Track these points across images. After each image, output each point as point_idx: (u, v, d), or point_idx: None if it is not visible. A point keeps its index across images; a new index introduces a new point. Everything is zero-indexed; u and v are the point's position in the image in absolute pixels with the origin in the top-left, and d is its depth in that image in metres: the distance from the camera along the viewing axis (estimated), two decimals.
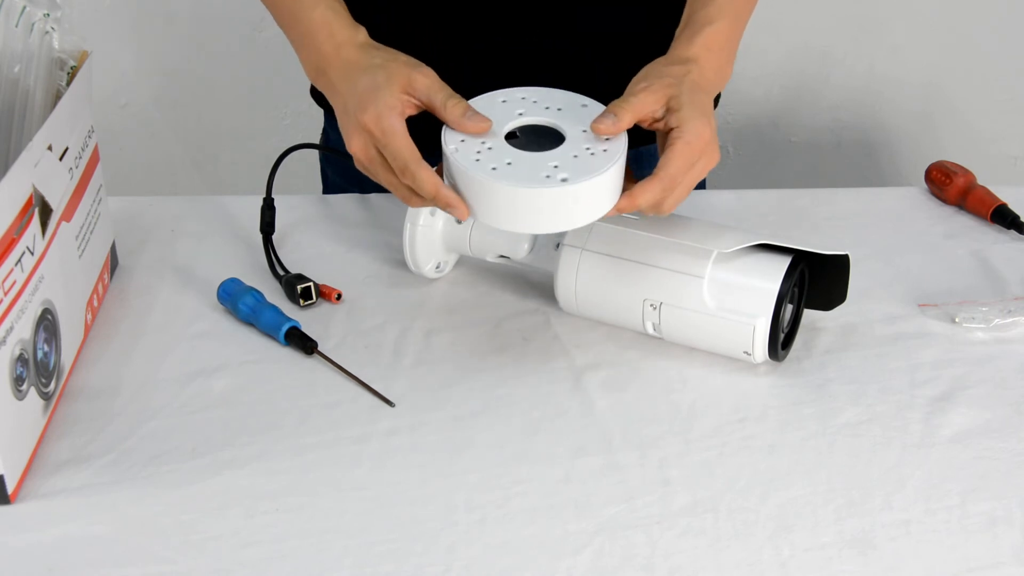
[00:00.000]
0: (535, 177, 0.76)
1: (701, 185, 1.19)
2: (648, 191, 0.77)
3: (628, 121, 0.78)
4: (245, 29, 1.80)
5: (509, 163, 0.77)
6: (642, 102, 0.78)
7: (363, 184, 1.10)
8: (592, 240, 0.86)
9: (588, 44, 1.00)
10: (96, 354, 0.87)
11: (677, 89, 0.79)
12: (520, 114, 0.81)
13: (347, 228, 1.04)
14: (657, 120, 0.79)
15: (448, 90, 0.80)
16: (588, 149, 0.78)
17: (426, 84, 0.79)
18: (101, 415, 0.80)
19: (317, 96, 1.12)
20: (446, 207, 0.78)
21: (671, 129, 0.78)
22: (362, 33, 0.85)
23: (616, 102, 0.79)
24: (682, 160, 0.77)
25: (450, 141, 0.79)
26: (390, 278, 0.97)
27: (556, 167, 0.77)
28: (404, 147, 0.77)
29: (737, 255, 0.83)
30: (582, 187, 0.75)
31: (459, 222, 0.89)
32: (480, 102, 0.81)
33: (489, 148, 0.78)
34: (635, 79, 0.81)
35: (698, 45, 0.83)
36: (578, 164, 0.77)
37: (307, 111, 1.88)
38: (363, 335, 0.89)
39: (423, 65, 0.82)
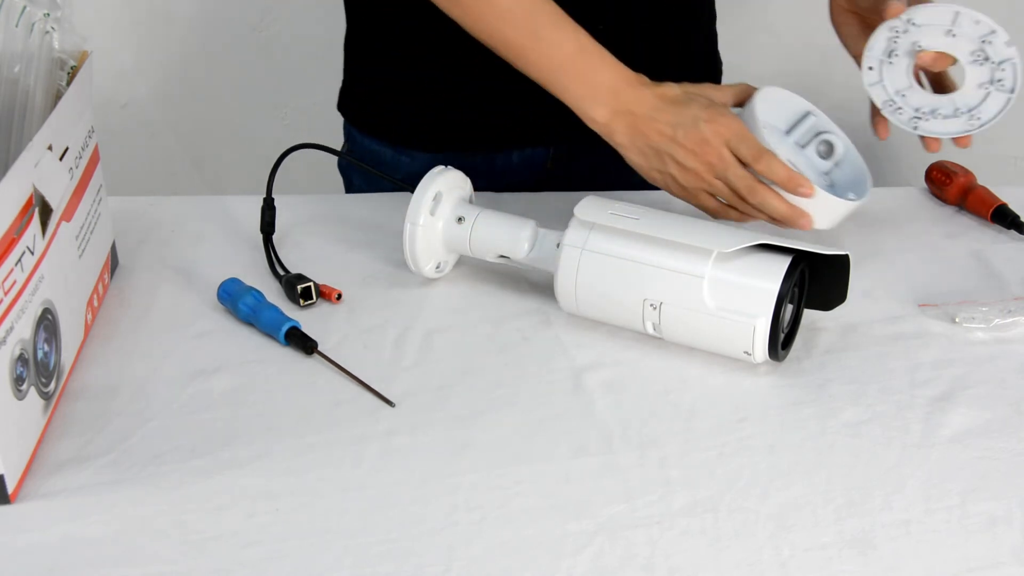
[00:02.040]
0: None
1: None
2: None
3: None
4: (245, 29, 1.80)
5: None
6: None
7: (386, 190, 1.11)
8: (592, 240, 0.86)
9: (635, 25, 1.06)
10: (96, 354, 0.87)
11: None
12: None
13: (347, 228, 1.04)
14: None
15: (736, 87, 0.94)
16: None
17: (728, 93, 0.94)
18: (101, 415, 0.80)
19: (348, 113, 1.17)
20: (796, 188, 0.88)
21: None
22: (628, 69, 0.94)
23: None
24: None
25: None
26: (390, 278, 0.97)
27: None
28: (754, 142, 0.89)
29: (737, 255, 0.83)
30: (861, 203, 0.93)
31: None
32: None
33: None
34: None
35: None
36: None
37: (307, 111, 1.89)
38: (363, 335, 0.89)
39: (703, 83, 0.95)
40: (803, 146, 0.99)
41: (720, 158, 0.89)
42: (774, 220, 0.91)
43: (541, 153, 1.13)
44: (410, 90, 1.10)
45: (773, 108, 0.98)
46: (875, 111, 0.99)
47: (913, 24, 0.95)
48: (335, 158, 1.10)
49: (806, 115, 0.99)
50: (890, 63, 0.98)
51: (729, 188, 0.90)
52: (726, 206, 0.93)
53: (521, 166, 1.14)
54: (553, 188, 1.11)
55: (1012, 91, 0.95)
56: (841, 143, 0.98)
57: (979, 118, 0.97)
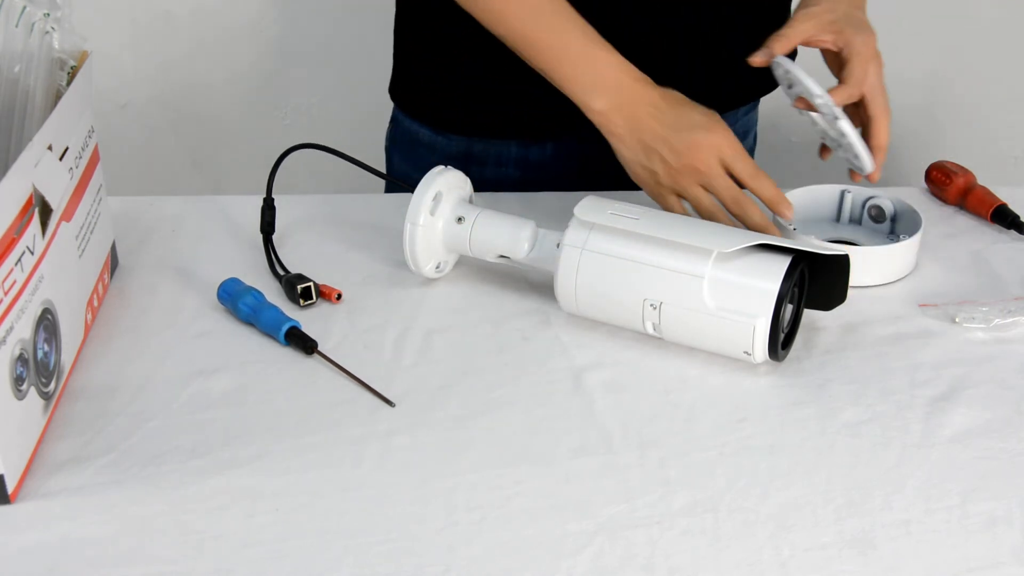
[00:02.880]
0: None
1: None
2: (838, 94, 0.94)
3: (781, 49, 0.95)
4: (245, 29, 1.80)
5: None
6: (798, 30, 0.95)
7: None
8: (592, 240, 0.86)
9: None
10: (96, 354, 0.87)
11: (834, 15, 0.96)
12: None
13: (347, 228, 1.04)
14: (825, 43, 0.96)
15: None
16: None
17: (739, 146, 0.93)
18: (101, 415, 0.80)
19: (395, 96, 1.19)
20: (780, 207, 0.93)
21: (840, 49, 0.95)
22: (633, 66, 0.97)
23: (774, 34, 0.95)
24: (859, 68, 0.94)
25: None
26: (390, 278, 0.97)
27: None
28: (753, 162, 0.92)
29: (737, 255, 0.83)
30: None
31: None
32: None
33: None
34: (797, 14, 0.98)
35: None
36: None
37: (307, 111, 1.89)
38: (363, 335, 0.89)
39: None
40: (859, 222, 1.03)
41: (708, 166, 0.91)
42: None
43: (574, 147, 1.15)
44: (447, 82, 1.13)
45: (810, 206, 1.02)
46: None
47: (782, 69, 0.97)
48: (335, 158, 1.09)
49: (843, 193, 1.03)
50: (791, 93, 0.99)
51: (713, 196, 0.93)
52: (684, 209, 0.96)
53: (555, 159, 1.16)
54: (585, 186, 1.12)
55: (853, 145, 0.95)
56: (888, 200, 1.01)
57: (856, 159, 0.97)
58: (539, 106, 1.07)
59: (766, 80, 1.18)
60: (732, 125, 1.22)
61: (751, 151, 1.30)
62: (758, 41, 0.98)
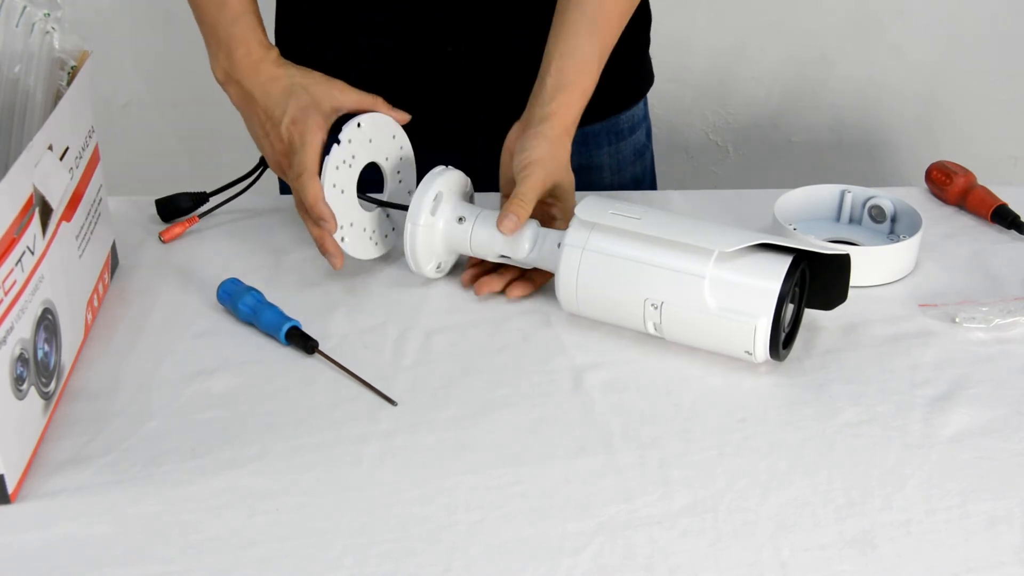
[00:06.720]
0: None
1: (705, 185, 1.20)
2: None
3: (527, 213, 0.89)
4: None
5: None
6: (533, 191, 0.89)
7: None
8: (593, 240, 0.86)
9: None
10: (96, 354, 0.87)
11: (552, 165, 0.91)
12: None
13: None
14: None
15: (367, 95, 0.94)
16: None
17: (353, 99, 0.93)
18: (101, 415, 0.80)
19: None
20: (318, 215, 0.90)
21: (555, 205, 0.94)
22: (275, 52, 0.97)
23: (511, 201, 0.89)
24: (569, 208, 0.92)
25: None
26: (390, 278, 0.97)
27: None
28: (310, 159, 0.90)
29: (738, 255, 0.83)
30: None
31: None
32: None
33: None
34: (512, 162, 0.92)
35: (555, 103, 0.92)
36: None
37: None
38: (363, 335, 0.89)
39: (335, 80, 0.95)
40: (859, 222, 1.03)
41: (276, 164, 0.96)
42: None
43: None
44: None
45: (810, 206, 1.03)
46: None
47: None
48: None
49: (843, 193, 1.03)
50: None
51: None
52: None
53: None
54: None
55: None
56: (888, 200, 1.01)
57: None
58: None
59: None
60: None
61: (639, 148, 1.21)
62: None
